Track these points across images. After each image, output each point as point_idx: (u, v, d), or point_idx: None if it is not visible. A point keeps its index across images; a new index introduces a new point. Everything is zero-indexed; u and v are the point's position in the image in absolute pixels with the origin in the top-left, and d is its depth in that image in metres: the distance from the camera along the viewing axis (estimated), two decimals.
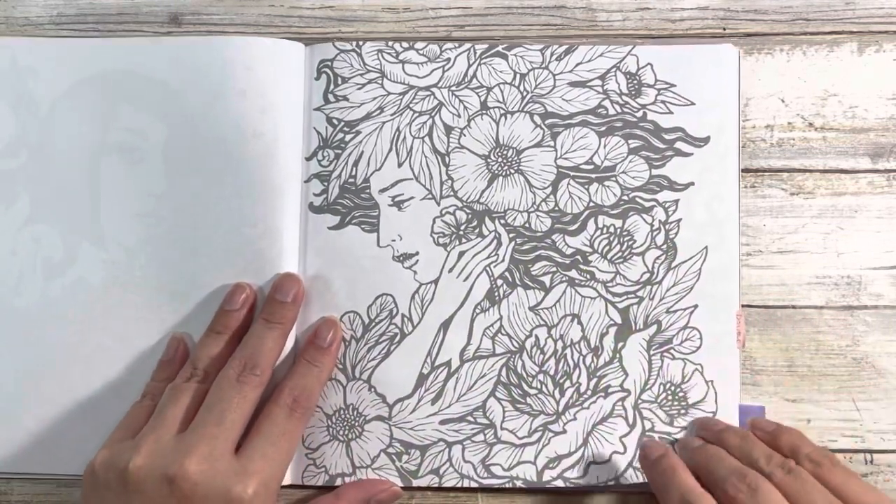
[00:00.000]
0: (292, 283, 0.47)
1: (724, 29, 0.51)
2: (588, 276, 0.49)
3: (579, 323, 0.49)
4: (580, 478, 0.48)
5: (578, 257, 0.49)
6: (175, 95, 0.50)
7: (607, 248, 0.49)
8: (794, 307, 0.50)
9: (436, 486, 0.48)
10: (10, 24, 0.52)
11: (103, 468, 0.41)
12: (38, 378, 0.49)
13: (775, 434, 0.46)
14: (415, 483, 0.48)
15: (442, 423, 0.48)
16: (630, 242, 0.49)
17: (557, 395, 0.48)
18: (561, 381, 0.49)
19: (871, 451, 0.49)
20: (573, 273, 0.49)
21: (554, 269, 0.49)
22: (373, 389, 0.49)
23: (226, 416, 0.42)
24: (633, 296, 0.49)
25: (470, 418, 0.48)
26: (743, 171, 0.51)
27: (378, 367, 0.49)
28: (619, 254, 0.49)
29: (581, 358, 0.49)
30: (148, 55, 0.50)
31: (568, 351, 0.49)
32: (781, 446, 0.45)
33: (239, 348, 0.45)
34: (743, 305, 0.50)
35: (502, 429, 0.48)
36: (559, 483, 0.48)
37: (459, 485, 0.48)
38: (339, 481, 0.48)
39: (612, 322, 0.49)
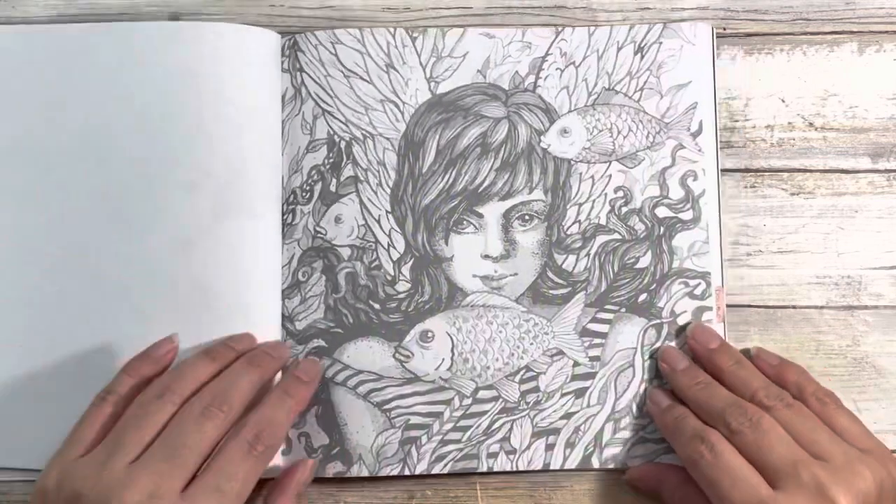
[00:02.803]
0: (280, 347, 0.48)
1: (725, 29, 0.51)
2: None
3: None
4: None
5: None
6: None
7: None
8: (794, 307, 0.50)
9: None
10: (9, 24, 0.52)
11: (56, 491, 0.39)
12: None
13: (779, 368, 0.46)
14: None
15: None
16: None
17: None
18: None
19: None
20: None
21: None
22: None
23: (179, 453, 0.39)
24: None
25: None
26: (743, 170, 0.51)
27: None
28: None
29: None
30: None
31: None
32: (786, 381, 0.45)
33: (213, 381, 0.44)
34: (743, 306, 0.50)
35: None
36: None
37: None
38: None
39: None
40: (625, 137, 0.50)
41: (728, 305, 0.49)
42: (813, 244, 0.50)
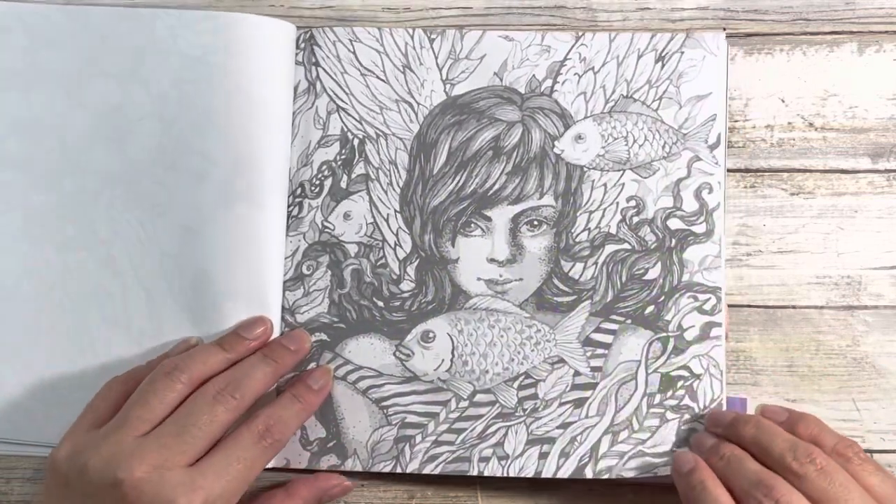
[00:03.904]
0: (301, 337, 0.48)
1: (724, 29, 0.51)
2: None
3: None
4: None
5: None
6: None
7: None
8: (794, 307, 0.50)
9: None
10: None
11: (66, 462, 0.41)
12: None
13: (791, 423, 0.44)
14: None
15: None
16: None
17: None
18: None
19: (871, 452, 0.49)
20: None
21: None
22: None
23: (188, 431, 0.41)
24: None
25: None
26: (743, 170, 0.51)
27: None
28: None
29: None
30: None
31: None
32: (799, 436, 0.43)
33: (228, 370, 0.45)
34: (743, 306, 0.50)
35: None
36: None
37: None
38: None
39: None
40: (640, 146, 0.50)
41: (728, 305, 0.49)
42: (813, 244, 0.50)
